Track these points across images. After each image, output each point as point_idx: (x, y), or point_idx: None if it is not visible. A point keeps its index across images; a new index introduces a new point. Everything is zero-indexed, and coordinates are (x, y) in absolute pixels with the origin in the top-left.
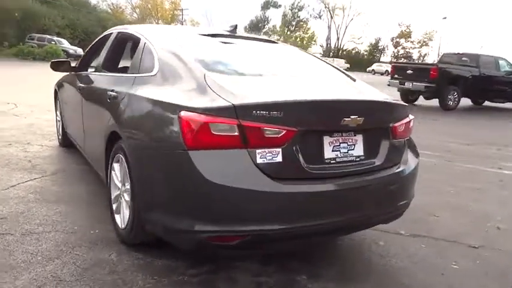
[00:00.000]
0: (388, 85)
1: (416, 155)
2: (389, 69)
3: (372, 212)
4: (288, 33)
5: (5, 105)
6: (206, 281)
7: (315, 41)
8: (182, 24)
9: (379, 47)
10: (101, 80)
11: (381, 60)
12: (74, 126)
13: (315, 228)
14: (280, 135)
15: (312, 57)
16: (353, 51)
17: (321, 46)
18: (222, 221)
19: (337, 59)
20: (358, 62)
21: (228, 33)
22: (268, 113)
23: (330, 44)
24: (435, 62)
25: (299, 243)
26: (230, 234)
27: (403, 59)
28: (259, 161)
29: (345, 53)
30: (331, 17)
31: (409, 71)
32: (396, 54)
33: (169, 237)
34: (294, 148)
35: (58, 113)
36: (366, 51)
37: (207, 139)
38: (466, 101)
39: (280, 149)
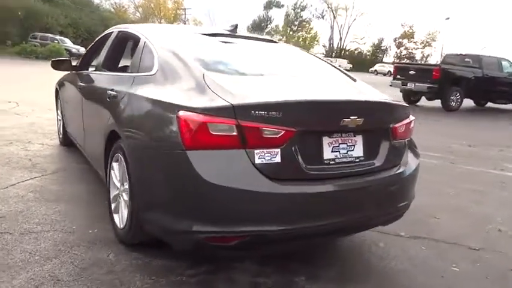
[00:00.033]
0: (391, 86)
1: (417, 156)
2: (392, 70)
3: (372, 213)
4: (291, 33)
5: (6, 103)
6: (204, 282)
7: (317, 41)
8: (185, 23)
9: (382, 48)
10: (101, 79)
11: (383, 60)
12: (74, 125)
13: (313, 229)
14: (278, 135)
15: (313, 57)
16: (356, 52)
17: (324, 46)
18: (220, 221)
19: (340, 59)
20: (360, 63)
21: (228, 32)
22: (267, 113)
23: (332, 44)
24: (438, 63)
25: (298, 244)
26: (228, 235)
27: (405, 59)
28: (257, 161)
29: (347, 53)
30: (334, 17)
31: (412, 72)
32: (399, 54)
33: (168, 237)
34: (293, 148)
35: (59, 111)
36: (369, 51)
37: (206, 139)
38: (468, 102)
39: (278, 150)
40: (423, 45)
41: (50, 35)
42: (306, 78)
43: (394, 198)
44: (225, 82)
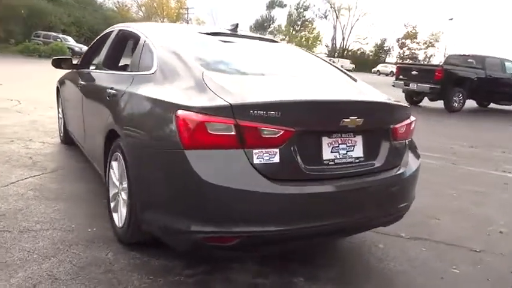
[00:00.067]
0: (393, 86)
1: (417, 157)
2: (394, 70)
3: (372, 214)
4: (293, 33)
5: (8, 101)
6: (202, 282)
7: (320, 41)
8: (188, 22)
9: (385, 48)
10: (101, 77)
11: (386, 61)
12: (74, 123)
13: (312, 230)
14: (277, 135)
15: (313, 57)
16: (358, 52)
17: (326, 46)
18: (218, 221)
19: (342, 60)
20: (363, 63)
21: (228, 32)
22: (266, 113)
23: (335, 44)
24: (440, 64)
25: (297, 244)
26: (226, 235)
27: (408, 60)
28: (256, 161)
29: (350, 53)
30: (337, 17)
31: (414, 72)
32: (402, 55)
33: (165, 237)
34: (292, 149)
35: (60, 110)
36: (371, 51)
37: (204, 139)
38: (471, 103)
39: (277, 150)
40: (426, 45)
41: (53, 34)
42: (306, 78)
43: (394, 199)
44: (224, 81)
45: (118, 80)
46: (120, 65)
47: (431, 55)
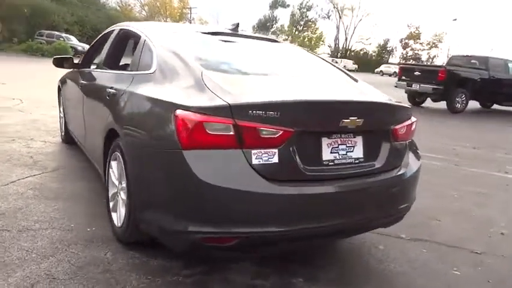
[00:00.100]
0: (396, 86)
1: (418, 157)
2: (397, 71)
3: (371, 215)
4: (296, 33)
5: (10, 100)
6: (200, 282)
7: (323, 41)
8: (191, 22)
9: (388, 48)
10: (102, 77)
11: (389, 61)
12: (75, 122)
13: (311, 231)
14: (276, 135)
15: (314, 57)
16: (361, 52)
17: (329, 46)
18: (216, 222)
19: (345, 60)
20: (366, 63)
21: (229, 31)
22: (265, 113)
23: (338, 45)
24: (443, 64)
25: (296, 245)
26: (224, 236)
27: (411, 60)
28: (254, 161)
29: (353, 53)
30: (340, 17)
31: (417, 73)
32: (405, 55)
33: (164, 237)
34: (291, 149)
35: (61, 109)
36: (374, 52)
37: (202, 138)
38: (474, 104)
39: (276, 150)
40: (429, 46)
41: (56, 33)
42: (306, 78)
43: (394, 200)
44: (224, 81)
45: (118, 80)
46: (120, 64)
47: (435, 56)
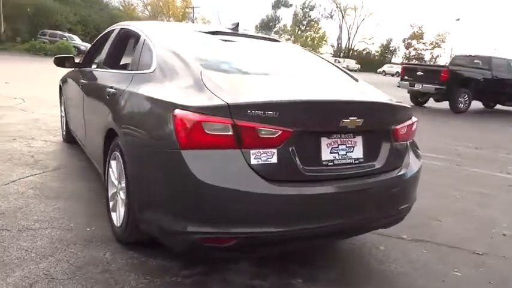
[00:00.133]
0: (398, 86)
1: (419, 158)
2: (400, 71)
3: (371, 215)
4: (299, 32)
5: (13, 100)
6: (199, 283)
7: (325, 41)
8: (193, 22)
9: (391, 48)
10: (102, 76)
11: (392, 61)
12: (76, 122)
13: (311, 231)
14: (275, 135)
15: (314, 56)
16: (364, 52)
17: (332, 46)
18: (215, 222)
19: (348, 60)
20: (369, 63)
21: (229, 31)
22: (264, 113)
23: (340, 44)
24: (446, 64)
25: (296, 246)
26: (223, 236)
27: (414, 60)
28: (253, 161)
29: (355, 53)
30: (343, 17)
31: (419, 73)
32: (408, 55)
33: (162, 237)
34: (290, 149)
35: (62, 108)
36: (377, 52)
37: (201, 138)
38: (477, 104)
39: (275, 150)
40: (432, 46)
41: (59, 32)
42: (306, 77)
43: (395, 200)
44: (223, 81)
45: (118, 79)
46: (121, 63)
47: (438, 55)
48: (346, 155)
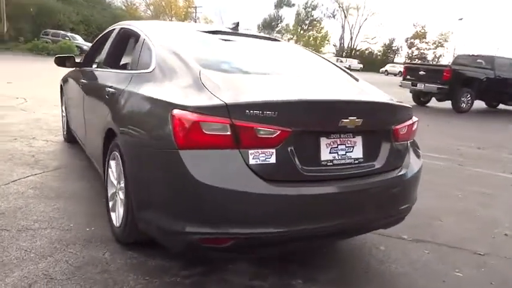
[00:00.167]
0: (400, 86)
1: (420, 158)
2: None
3: (371, 215)
4: (301, 32)
5: (14, 99)
6: (198, 283)
7: (328, 40)
8: (195, 21)
9: (393, 48)
10: (102, 76)
11: (394, 61)
12: (76, 121)
13: (310, 231)
14: (274, 135)
15: (314, 56)
16: (366, 52)
17: (334, 46)
18: (213, 222)
19: (350, 59)
20: (371, 63)
21: (229, 30)
22: (262, 113)
23: (343, 44)
24: (449, 64)
25: (295, 246)
26: (221, 237)
27: (417, 60)
28: (251, 162)
29: (358, 53)
30: (345, 17)
31: (422, 72)
32: (410, 55)
33: (161, 237)
34: (289, 149)
35: (63, 108)
36: (380, 51)
37: (199, 138)
38: (479, 104)
39: (274, 150)
40: (435, 45)
41: (62, 32)
42: (305, 77)
43: (395, 200)
44: (222, 80)
45: (117, 79)
46: (121, 63)
47: (441, 55)
48: (345, 155)
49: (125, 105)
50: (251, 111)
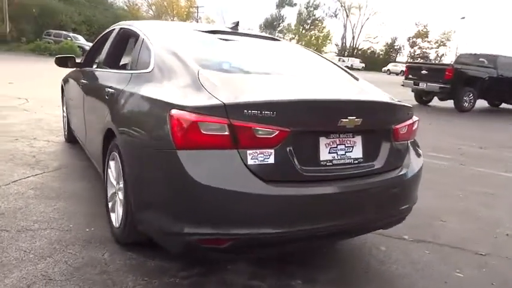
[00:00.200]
0: (402, 85)
1: (420, 158)
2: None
3: (371, 216)
4: (303, 31)
5: (17, 100)
6: (197, 284)
7: (330, 40)
8: (197, 21)
9: (395, 47)
10: (101, 76)
11: (397, 60)
12: (76, 122)
13: (309, 232)
14: (272, 135)
15: (314, 55)
16: (368, 51)
17: (336, 45)
18: (211, 223)
19: (352, 59)
20: (373, 62)
21: (228, 30)
22: (260, 113)
23: (345, 43)
24: (451, 63)
25: (294, 247)
26: (219, 237)
27: (419, 59)
28: (250, 162)
29: (360, 52)
30: (347, 16)
31: (424, 71)
32: (413, 54)
33: (159, 238)
34: (288, 149)
35: (64, 108)
36: (382, 51)
37: (197, 138)
38: (482, 103)
39: (272, 150)
40: (437, 44)
41: (64, 32)
42: (305, 76)
43: (395, 200)
44: (220, 80)
45: (116, 79)
46: (120, 63)
47: (443, 54)
48: (345, 155)
49: (123, 106)
50: (249, 111)
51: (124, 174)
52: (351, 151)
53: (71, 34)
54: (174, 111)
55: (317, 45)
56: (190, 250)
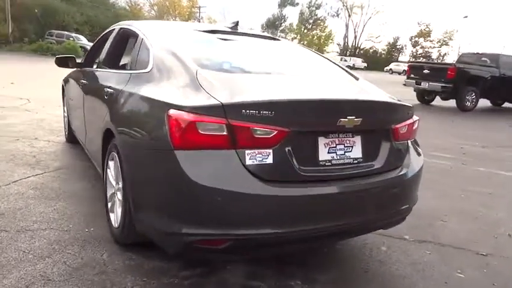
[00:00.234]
0: (404, 85)
1: (420, 157)
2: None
3: (371, 216)
4: (305, 31)
5: (18, 100)
6: (197, 284)
7: (332, 39)
8: (199, 21)
9: (398, 46)
10: (101, 76)
11: (399, 59)
12: (77, 122)
13: (308, 232)
14: (271, 135)
15: (314, 55)
16: (370, 50)
17: (338, 45)
18: (210, 224)
19: (354, 58)
20: (375, 61)
21: (228, 29)
22: (259, 112)
23: (347, 43)
24: (454, 62)
25: (293, 248)
26: (218, 238)
27: (421, 58)
28: (248, 162)
29: (362, 52)
30: (349, 16)
31: (426, 71)
32: (415, 53)
33: (158, 239)
34: (286, 149)
35: (65, 108)
36: (384, 50)
37: (195, 139)
38: (484, 102)
39: (271, 150)
40: (440, 44)
41: (66, 33)
42: (304, 76)
43: (395, 201)
44: (219, 80)
45: (116, 79)
46: (120, 63)
47: (445, 53)
48: (344, 154)
49: (122, 106)
50: (247, 111)
51: (123, 174)
52: (351, 151)
53: (73, 34)
54: (172, 111)
55: (319, 45)
56: (188, 251)
